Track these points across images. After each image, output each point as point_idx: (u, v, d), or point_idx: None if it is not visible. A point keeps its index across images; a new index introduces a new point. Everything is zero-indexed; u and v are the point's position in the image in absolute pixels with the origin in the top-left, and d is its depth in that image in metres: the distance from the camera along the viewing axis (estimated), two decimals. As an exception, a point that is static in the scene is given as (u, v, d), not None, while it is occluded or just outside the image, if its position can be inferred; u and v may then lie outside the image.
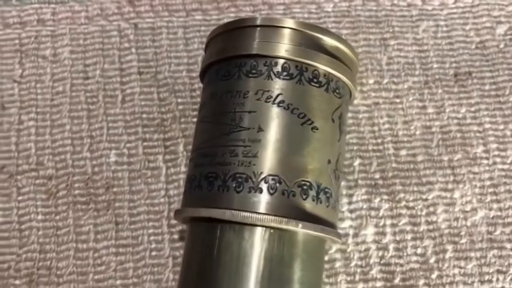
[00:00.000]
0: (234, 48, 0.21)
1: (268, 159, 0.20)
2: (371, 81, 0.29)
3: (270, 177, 0.20)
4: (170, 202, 0.27)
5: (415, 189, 0.27)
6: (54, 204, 0.27)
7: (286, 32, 0.21)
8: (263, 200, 0.19)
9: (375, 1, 0.30)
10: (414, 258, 0.26)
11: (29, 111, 0.28)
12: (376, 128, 0.28)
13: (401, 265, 0.26)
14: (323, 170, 0.21)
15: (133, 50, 0.29)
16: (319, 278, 0.21)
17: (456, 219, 0.26)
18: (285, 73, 0.21)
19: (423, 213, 0.27)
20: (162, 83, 0.29)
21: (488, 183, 0.27)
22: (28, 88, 0.29)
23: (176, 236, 0.26)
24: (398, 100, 0.28)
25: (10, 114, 0.28)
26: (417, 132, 0.28)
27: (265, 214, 0.19)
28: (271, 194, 0.20)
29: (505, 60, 0.29)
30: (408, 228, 0.26)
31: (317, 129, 0.21)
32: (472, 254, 0.26)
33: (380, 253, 0.26)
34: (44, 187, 0.27)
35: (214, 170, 0.20)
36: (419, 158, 0.27)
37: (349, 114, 0.28)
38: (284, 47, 0.21)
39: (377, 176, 0.27)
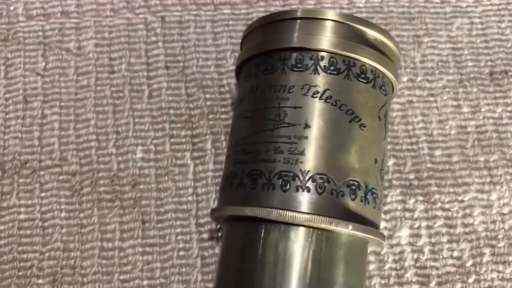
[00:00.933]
0: (277, 41, 0.21)
1: (315, 157, 0.19)
2: (404, 78, 0.28)
3: (318, 176, 0.19)
4: (198, 200, 0.26)
5: (451, 190, 0.26)
6: (78, 201, 0.26)
7: (329, 25, 0.21)
8: (311, 199, 0.19)
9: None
10: (450, 261, 0.25)
11: (53, 105, 0.28)
12: (410, 127, 0.27)
13: (437, 268, 0.25)
14: (370, 169, 0.20)
15: (160, 44, 0.29)
16: (362, 280, 0.20)
17: (494, 221, 0.26)
18: (332, 68, 0.20)
19: (459, 215, 0.26)
20: (190, 78, 0.28)
21: (526, 185, 0.26)
22: (51, 82, 0.28)
23: (205, 236, 0.25)
24: (432, 99, 0.28)
25: (33, 108, 0.28)
26: (452, 132, 0.27)
27: (313, 214, 0.18)
28: (319, 193, 0.19)
29: (541, 59, 0.29)
30: (444, 230, 0.26)
31: (365, 126, 0.20)
32: (511, 258, 0.25)
33: (415, 256, 0.25)
34: (68, 183, 0.26)
35: (258, 168, 0.19)
36: (455, 158, 0.27)
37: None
38: (329, 40, 0.20)
39: (411, 176, 0.26)
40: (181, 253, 0.25)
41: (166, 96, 0.28)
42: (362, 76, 0.20)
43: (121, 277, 0.25)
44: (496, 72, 0.28)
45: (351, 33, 0.21)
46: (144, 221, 0.26)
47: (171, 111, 0.28)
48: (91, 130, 0.27)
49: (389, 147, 0.27)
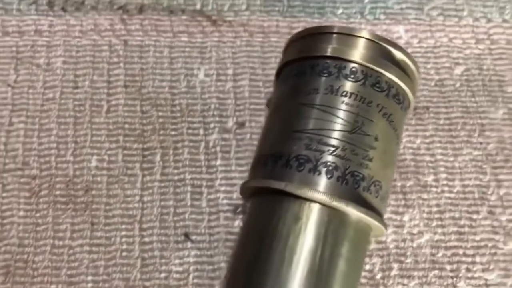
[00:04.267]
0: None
1: (379, 167, 0.23)
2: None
3: (377, 182, 0.23)
4: (143, 207, 0.29)
5: (369, 210, 0.29)
6: (35, 202, 0.29)
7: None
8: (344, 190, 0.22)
9: (347, 36, 0.33)
10: (363, 273, 0.28)
11: (20, 114, 0.31)
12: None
13: (351, 279, 0.28)
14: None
15: (121, 64, 0.32)
16: (362, 263, 0.24)
17: (404, 240, 0.29)
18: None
19: (375, 233, 0.29)
20: (145, 97, 0.31)
21: (435, 209, 0.29)
22: (20, 93, 0.31)
23: (147, 239, 0.28)
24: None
25: (2, 116, 0.31)
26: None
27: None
28: (376, 197, 0.23)
29: (459, 98, 0.32)
30: (360, 245, 0.29)
31: (398, 142, 0.25)
32: (415, 273, 0.28)
33: (333, 267, 0.28)
34: (28, 185, 0.29)
35: (334, 161, 0.22)
36: (375, 182, 0.30)
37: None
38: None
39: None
40: (124, 253, 0.28)
41: (122, 112, 0.31)
42: (397, 98, 0.25)
43: (69, 272, 0.28)
44: (419, 107, 0.32)
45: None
46: (93, 223, 0.29)
47: (126, 126, 0.31)
48: (52, 139, 0.30)
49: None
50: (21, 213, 0.29)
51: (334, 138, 0.23)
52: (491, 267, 0.28)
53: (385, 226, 0.24)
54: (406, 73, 0.25)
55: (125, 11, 0.33)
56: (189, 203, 0.29)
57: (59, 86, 0.31)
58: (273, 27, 0.33)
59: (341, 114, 0.23)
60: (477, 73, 0.33)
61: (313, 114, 0.23)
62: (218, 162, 0.30)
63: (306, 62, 0.25)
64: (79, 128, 0.30)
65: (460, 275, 0.28)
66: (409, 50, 0.33)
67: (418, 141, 0.31)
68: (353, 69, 0.24)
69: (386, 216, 0.29)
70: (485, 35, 0.34)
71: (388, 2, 0.34)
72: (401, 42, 0.33)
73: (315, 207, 0.22)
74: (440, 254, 0.28)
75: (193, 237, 0.28)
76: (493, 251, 0.28)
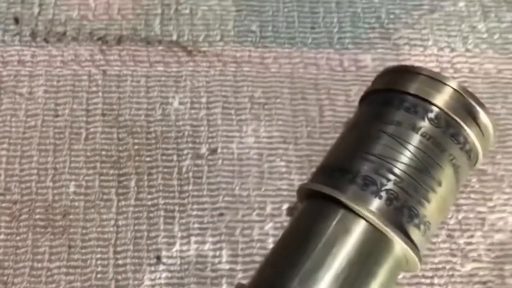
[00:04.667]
0: None
1: (434, 209, 0.25)
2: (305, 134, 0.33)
3: (427, 223, 0.25)
4: (118, 231, 0.30)
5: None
6: (16, 226, 0.30)
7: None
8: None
9: (316, 66, 0.35)
10: None
11: (3, 141, 0.32)
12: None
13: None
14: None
15: (100, 94, 0.33)
16: None
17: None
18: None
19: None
20: (122, 124, 0.33)
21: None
22: (3, 121, 0.33)
23: (120, 262, 0.30)
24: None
25: (-15, 143, 0.32)
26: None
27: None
28: (422, 236, 0.25)
29: (423, 125, 0.34)
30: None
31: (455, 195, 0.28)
32: None
33: None
34: (9, 210, 0.31)
35: (397, 191, 0.24)
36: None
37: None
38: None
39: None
40: (99, 275, 0.29)
41: (100, 139, 0.32)
42: (469, 154, 0.27)
43: (46, 293, 0.29)
44: (384, 134, 0.33)
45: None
46: (70, 246, 0.30)
47: (103, 153, 0.32)
48: (33, 165, 0.32)
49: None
50: (2, 236, 0.30)
51: (402, 171, 0.25)
52: (449, 288, 0.30)
53: (421, 263, 0.26)
54: (483, 132, 0.27)
55: (104, 42, 0.34)
56: (161, 227, 0.30)
57: (40, 115, 0.33)
58: (246, 57, 0.35)
59: (414, 150, 0.25)
60: (440, 100, 0.34)
61: (389, 143, 0.25)
62: (190, 187, 0.31)
63: (396, 95, 0.27)
64: (58, 155, 0.32)
65: (419, 296, 0.29)
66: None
67: (382, 166, 0.33)
68: (438, 115, 0.26)
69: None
70: (448, 64, 0.35)
71: (356, 32, 0.36)
72: (367, 70, 0.35)
73: (367, 226, 0.24)
74: (400, 276, 0.30)
75: (165, 260, 0.30)
76: (450, 273, 0.30)
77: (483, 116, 0.27)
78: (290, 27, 0.36)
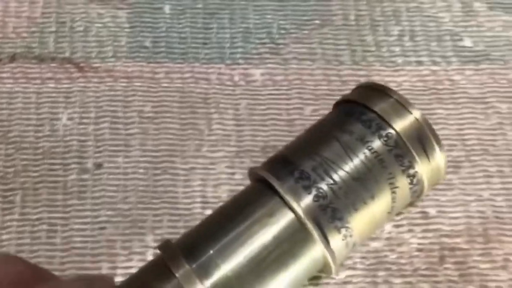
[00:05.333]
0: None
1: (359, 220, 0.26)
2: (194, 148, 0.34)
3: (350, 230, 0.26)
4: (1, 246, 0.31)
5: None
6: None
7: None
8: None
9: (207, 80, 0.36)
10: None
11: None
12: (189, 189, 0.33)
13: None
14: None
15: (-9, 110, 0.34)
16: (297, 285, 0.27)
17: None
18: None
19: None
20: (11, 140, 0.33)
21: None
22: None
23: (0, 276, 0.30)
24: (211, 167, 0.34)
25: None
26: (223, 195, 0.33)
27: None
28: (342, 240, 0.26)
29: (308, 137, 0.35)
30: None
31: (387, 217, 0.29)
32: None
33: None
34: None
35: (326, 191, 0.25)
36: (222, 217, 0.32)
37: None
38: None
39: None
40: (-22, 290, 0.30)
41: (-13, 155, 0.33)
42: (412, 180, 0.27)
43: None
44: (268, 146, 0.34)
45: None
46: (-48, 262, 0.31)
47: (-10, 169, 0.33)
48: None
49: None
50: None
51: (338, 175, 0.26)
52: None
53: (336, 267, 0.26)
54: (432, 167, 0.28)
55: (-3, 60, 0.35)
56: (43, 241, 0.31)
57: None
58: (137, 72, 0.36)
59: (356, 161, 0.26)
60: (325, 112, 0.35)
61: (337, 149, 0.27)
62: (74, 201, 0.32)
63: (358, 108, 0.28)
64: None
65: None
66: (264, 92, 0.36)
67: (265, 178, 0.34)
68: (390, 134, 0.27)
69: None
70: (336, 77, 0.36)
71: (247, 47, 0.37)
72: (256, 85, 0.36)
73: (290, 216, 0.25)
74: (274, 285, 0.31)
75: (44, 273, 0.31)
76: (326, 280, 0.31)
77: (436, 152, 0.28)
78: (182, 43, 0.37)
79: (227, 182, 0.33)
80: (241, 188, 0.30)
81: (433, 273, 0.31)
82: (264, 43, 0.37)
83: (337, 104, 0.30)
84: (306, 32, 0.38)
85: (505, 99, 0.36)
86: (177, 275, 0.24)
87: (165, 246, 0.26)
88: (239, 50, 0.37)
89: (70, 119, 0.34)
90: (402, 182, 0.27)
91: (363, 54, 0.37)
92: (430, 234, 0.32)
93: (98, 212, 0.32)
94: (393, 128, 0.27)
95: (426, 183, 0.28)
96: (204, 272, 0.24)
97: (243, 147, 0.34)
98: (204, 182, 0.33)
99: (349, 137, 0.27)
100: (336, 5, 0.39)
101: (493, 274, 0.31)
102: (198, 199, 0.33)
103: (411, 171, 0.27)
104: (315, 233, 0.25)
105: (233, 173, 0.33)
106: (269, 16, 0.38)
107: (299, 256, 0.26)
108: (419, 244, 0.31)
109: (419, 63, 0.37)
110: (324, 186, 0.26)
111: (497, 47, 0.38)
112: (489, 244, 0.32)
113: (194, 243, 0.26)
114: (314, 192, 0.26)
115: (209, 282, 0.24)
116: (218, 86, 0.36)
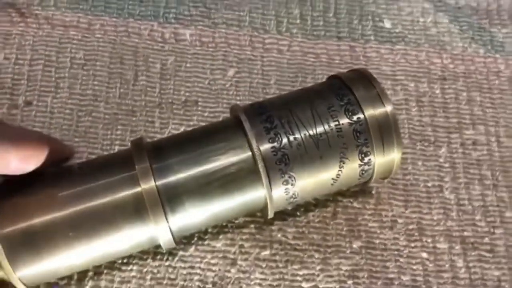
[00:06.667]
0: None
1: (304, 176, 0.29)
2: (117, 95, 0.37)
3: (294, 182, 0.29)
4: None
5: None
6: None
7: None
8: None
9: (139, 35, 0.39)
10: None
11: None
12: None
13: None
14: None
15: None
16: (230, 214, 0.31)
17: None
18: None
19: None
20: None
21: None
22: None
23: None
24: (134, 118, 0.36)
25: None
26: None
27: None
28: (285, 185, 0.29)
29: (227, 96, 0.38)
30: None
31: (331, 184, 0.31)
32: None
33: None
34: None
35: (283, 140, 0.28)
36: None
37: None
38: None
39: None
40: None
41: None
42: (363, 158, 0.30)
43: None
44: (189, 101, 0.37)
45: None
46: None
47: None
48: None
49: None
50: None
51: (298, 129, 0.29)
52: None
53: (271, 210, 0.30)
54: (386, 162, 0.31)
55: None
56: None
57: None
58: (74, 22, 0.38)
59: (318, 123, 0.29)
60: (246, 75, 0.38)
61: (305, 109, 0.29)
62: (1, 133, 0.35)
63: (341, 85, 0.31)
64: None
65: None
66: (191, 51, 0.38)
67: (182, 128, 0.36)
68: (356, 111, 0.30)
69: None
70: (260, 44, 0.39)
71: (180, 8, 0.39)
72: (185, 44, 0.38)
73: (246, 151, 0.29)
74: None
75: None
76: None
77: (393, 148, 0.30)
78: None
79: (146, 130, 0.36)
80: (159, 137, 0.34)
81: (324, 226, 0.34)
82: (197, 7, 0.39)
83: (328, 78, 0.33)
84: (237, 0, 0.40)
85: (413, 78, 0.39)
86: (137, 168, 0.28)
87: (136, 143, 0.29)
88: (173, 10, 0.39)
89: (6, 58, 0.37)
90: (353, 157, 0.30)
91: (287, 25, 0.40)
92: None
93: (22, 145, 0.34)
94: (362, 112, 0.30)
95: (375, 171, 0.31)
96: (160, 173, 0.28)
97: (165, 99, 0.37)
98: (124, 127, 0.36)
99: (321, 104, 0.30)
100: (269, -22, 0.42)
101: (379, 232, 0.34)
102: (117, 142, 0.35)
103: (364, 149, 0.30)
104: (261, 168, 0.28)
105: (152, 122, 0.36)
106: (205, -18, 0.41)
107: (243, 187, 0.29)
108: (314, 199, 0.35)
109: (339, 38, 0.40)
110: (282, 133, 0.29)
111: (413, 31, 0.41)
112: (379, 206, 0.35)
113: (161, 148, 0.29)
114: (272, 135, 0.29)
115: (161, 182, 0.28)
116: (148, 42, 0.38)
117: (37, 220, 0.27)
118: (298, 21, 0.40)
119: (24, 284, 0.27)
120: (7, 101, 0.35)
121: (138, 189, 0.27)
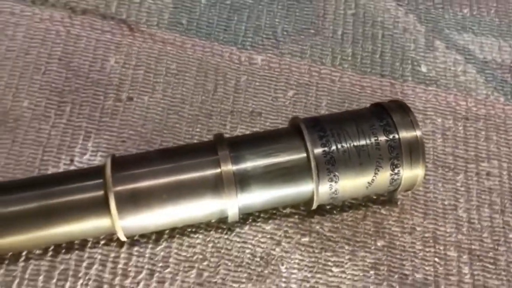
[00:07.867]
0: None
1: (347, 179, 0.37)
2: (199, 100, 0.45)
3: (337, 182, 0.37)
4: (49, 138, 0.43)
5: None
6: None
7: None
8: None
9: (220, 56, 0.47)
10: None
11: (-15, 64, 0.45)
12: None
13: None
14: None
15: (62, 45, 0.46)
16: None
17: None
18: None
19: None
20: (71, 69, 0.46)
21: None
22: (-11, 50, 0.46)
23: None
24: (211, 121, 0.45)
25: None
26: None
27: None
28: (330, 189, 0.37)
29: (285, 112, 0.46)
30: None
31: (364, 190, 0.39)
32: (215, 215, 0.41)
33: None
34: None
35: (333, 147, 0.36)
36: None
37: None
38: None
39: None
40: (28, 164, 0.42)
41: (53, 76, 0.45)
42: (393, 173, 0.37)
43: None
44: (255, 112, 0.45)
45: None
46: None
47: (53, 85, 0.45)
48: (2, 84, 0.45)
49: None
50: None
51: (345, 140, 0.36)
52: None
53: (316, 203, 0.37)
54: (412, 176, 0.38)
55: (73, 11, 0.47)
56: (80, 142, 0.43)
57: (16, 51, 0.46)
58: (171, 40, 0.48)
59: (361, 137, 0.37)
60: (303, 97, 0.47)
61: (352, 125, 0.37)
62: (107, 119, 0.44)
63: (382, 111, 0.38)
64: (24, 84, 0.45)
65: None
66: (260, 73, 0.47)
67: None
68: (392, 131, 0.37)
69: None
70: (316, 73, 0.48)
71: (255, 38, 0.48)
72: (256, 67, 0.47)
73: (303, 153, 0.36)
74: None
75: (76, 163, 0.42)
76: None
77: (419, 165, 0.37)
78: (209, 26, 0.49)
79: (219, 130, 0.44)
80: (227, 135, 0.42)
81: (355, 225, 0.42)
82: (269, 38, 0.49)
83: (372, 104, 0.41)
84: (302, 37, 0.49)
85: (441, 115, 0.47)
86: (219, 154, 0.36)
87: (218, 136, 0.38)
88: (249, 39, 0.49)
89: (116, 62, 0.46)
90: (386, 166, 0.38)
91: (341, 60, 0.49)
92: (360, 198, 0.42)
93: (123, 130, 0.43)
94: (397, 132, 0.38)
95: (402, 182, 0.38)
96: (235, 160, 0.36)
97: (236, 109, 0.46)
98: (203, 126, 0.44)
99: (364, 123, 0.38)
100: (329, 21, 0.51)
101: (400, 236, 0.41)
102: (196, 137, 0.44)
103: (395, 162, 0.38)
104: (313, 165, 0.36)
105: (224, 125, 0.45)
106: (277, 20, 0.50)
107: (297, 180, 0.37)
108: (349, 203, 0.42)
109: (382, 76, 0.48)
110: (332, 141, 0.37)
111: (445, 77, 0.49)
112: (402, 214, 0.42)
113: (236, 142, 0.37)
114: (323, 141, 0.37)
115: (236, 167, 0.35)
116: (227, 62, 0.47)
117: (141, 184, 0.35)
118: (349, 58, 0.49)
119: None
120: (113, 95, 0.45)
121: (218, 170, 0.35)
